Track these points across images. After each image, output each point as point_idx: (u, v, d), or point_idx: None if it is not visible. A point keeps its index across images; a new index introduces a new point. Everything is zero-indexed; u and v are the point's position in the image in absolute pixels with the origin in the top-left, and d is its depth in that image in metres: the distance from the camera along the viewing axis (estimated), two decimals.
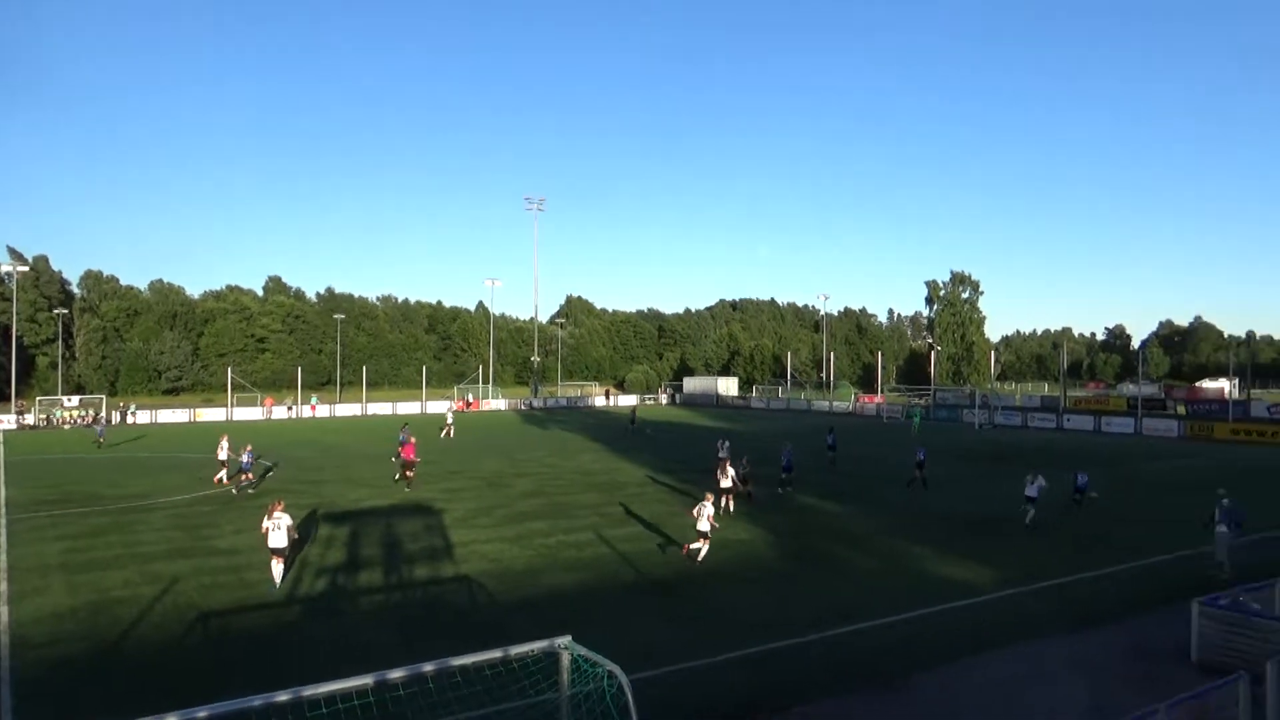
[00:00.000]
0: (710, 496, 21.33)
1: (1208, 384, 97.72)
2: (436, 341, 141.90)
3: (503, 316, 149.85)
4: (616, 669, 8.82)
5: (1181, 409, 66.63)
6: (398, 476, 33.49)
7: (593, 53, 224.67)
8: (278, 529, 18.34)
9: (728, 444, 36.48)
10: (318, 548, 22.26)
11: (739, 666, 13.80)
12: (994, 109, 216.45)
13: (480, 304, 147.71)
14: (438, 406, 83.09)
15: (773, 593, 18.21)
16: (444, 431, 54.71)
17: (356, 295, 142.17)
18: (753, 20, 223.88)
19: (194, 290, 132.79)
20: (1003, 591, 18.17)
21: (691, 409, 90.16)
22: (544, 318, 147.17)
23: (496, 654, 9.19)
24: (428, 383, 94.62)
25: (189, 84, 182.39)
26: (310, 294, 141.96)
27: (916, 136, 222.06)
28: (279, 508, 18.75)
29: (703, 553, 20.62)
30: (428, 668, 8.55)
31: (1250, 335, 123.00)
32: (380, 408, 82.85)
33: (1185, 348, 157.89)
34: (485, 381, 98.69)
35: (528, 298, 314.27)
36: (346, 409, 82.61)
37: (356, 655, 13.66)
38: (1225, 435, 53.04)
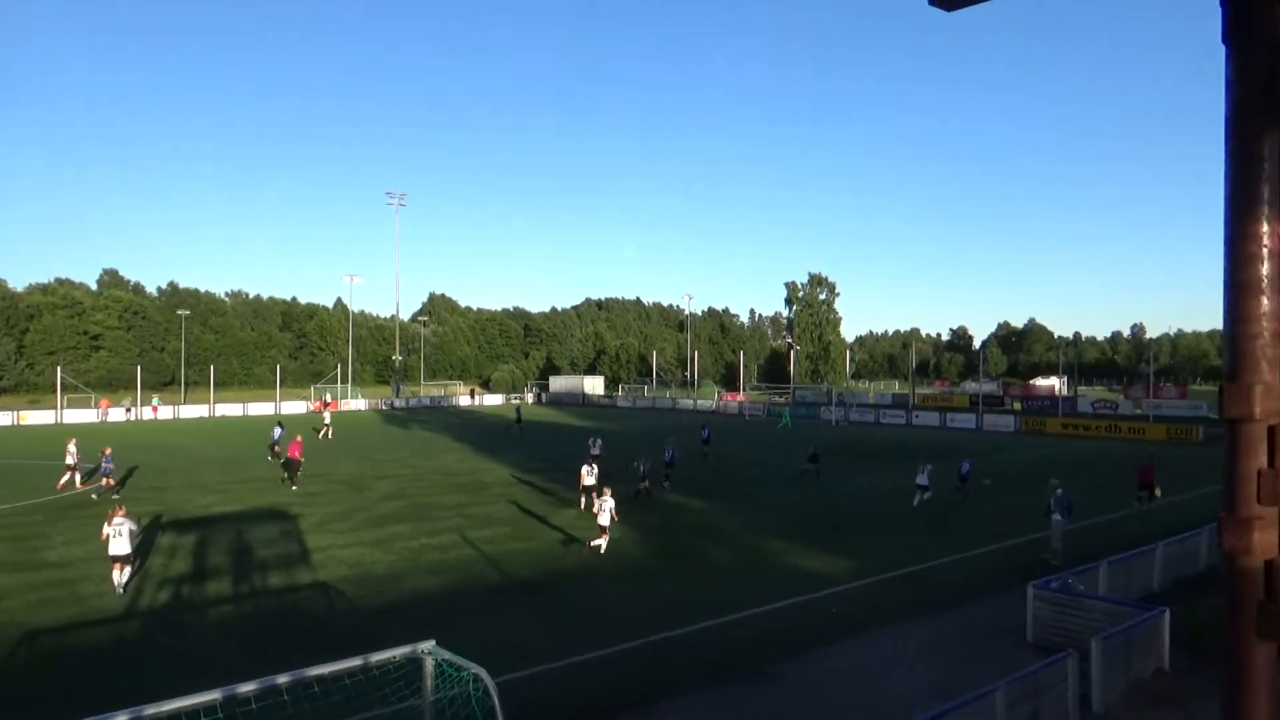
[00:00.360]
0: (609, 491, 21.76)
1: (1040, 382, 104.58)
2: (292, 339, 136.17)
3: (363, 314, 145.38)
4: (482, 672, 8.66)
5: (1018, 405, 71.16)
6: (284, 478, 32.75)
7: (456, 47, 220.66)
8: (119, 535, 17.45)
9: (599, 442, 36.61)
10: (161, 557, 20.95)
11: (607, 664, 13.83)
12: (845, 115, 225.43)
13: (339, 300, 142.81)
14: (293, 407, 79.86)
15: (640, 590, 18.34)
16: (322, 432, 52.76)
17: (203, 290, 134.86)
18: (623, 21, 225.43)
19: (17, 283, 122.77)
20: (858, 581, 18.90)
21: (558, 408, 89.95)
22: (406, 315, 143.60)
23: (356, 662, 8.87)
24: (282, 382, 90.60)
25: (12, 63, 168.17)
26: (151, 288, 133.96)
27: (775, 140, 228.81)
28: (120, 513, 17.88)
29: (604, 546, 21.10)
30: (282, 679, 8.17)
31: (1077, 336, 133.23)
32: (230, 409, 78.78)
33: (1021, 347, 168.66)
34: (344, 381, 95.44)
35: (389, 295, 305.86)
36: (192, 410, 78.18)
37: (203, 670, 12.91)
38: (1056, 429, 56.94)
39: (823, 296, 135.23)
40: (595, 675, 13.36)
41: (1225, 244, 1.92)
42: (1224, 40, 1.92)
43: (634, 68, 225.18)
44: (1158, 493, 27.19)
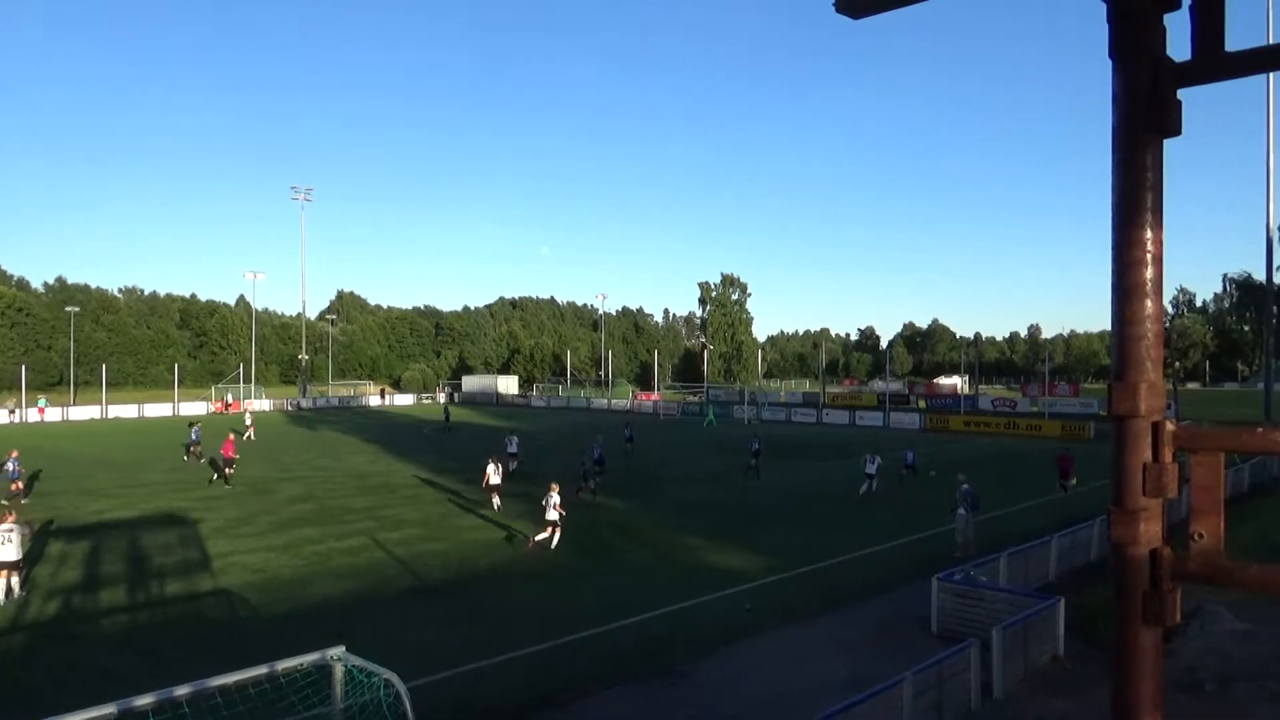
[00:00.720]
0: (555, 486, 22.02)
1: (943, 380, 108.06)
2: (191, 338, 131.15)
3: (266, 312, 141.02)
4: (394, 677, 8.52)
5: (922, 403, 73.42)
6: (215, 477, 32.48)
7: (364, 36, 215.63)
8: (8, 541, 16.73)
9: (516, 440, 36.32)
10: (50, 566, 19.94)
11: (521, 665, 13.75)
12: (756, 118, 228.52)
13: (241, 298, 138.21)
14: (194, 408, 76.96)
15: (554, 589, 18.28)
16: (245, 434, 50.76)
17: (94, 286, 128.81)
18: (537, 16, 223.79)
19: None
20: (771, 577, 19.20)
21: (471, 408, 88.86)
22: (313, 314, 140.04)
23: (262, 670, 8.61)
24: (181, 382, 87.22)
25: None
26: (36, 284, 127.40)
27: (688, 141, 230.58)
28: (10, 518, 17.15)
29: (554, 541, 21.38)
30: (181, 691, 7.87)
31: (978, 337, 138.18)
32: (124, 410, 75.31)
33: (925, 347, 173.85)
34: (247, 381, 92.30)
35: (294, 292, 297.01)
36: (82, 412, 74.45)
37: (96, 683, 12.33)
38: (959, 426, 58.88)
39: (735, 297, 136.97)
40: (508, 676, 13.27)
41: (1112, 249, 2.01)
42: (1110, 55, 2.02)
43: (546, 65, 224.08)
44: (1074, 480, 29.92)
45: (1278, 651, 13.55)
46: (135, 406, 77.11)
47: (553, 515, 21.41)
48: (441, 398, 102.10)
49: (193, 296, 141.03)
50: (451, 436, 53.41)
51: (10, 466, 28.68)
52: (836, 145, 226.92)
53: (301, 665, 8.86)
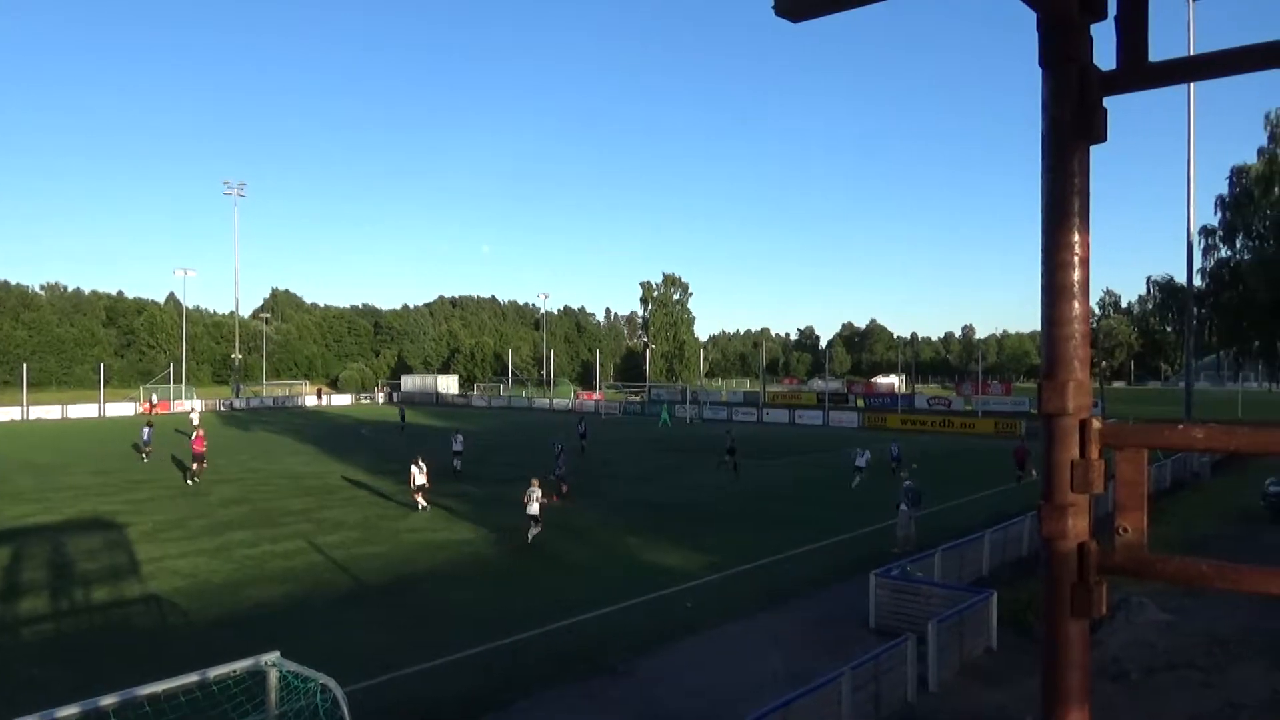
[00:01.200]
0: (536, 481, 22.36)
1: (881, 380, 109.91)
2: (117, 336, 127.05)
3: (198, 310, 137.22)
4: (330, 682, 8.37)
5: (861, 402, 74.51)
6: (189, 472, 33.15)
7: (299, 28, 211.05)
8: None
9: (461, 437, 35.85)
10: None
11: (459, 668, 13.63)
12: (696, 119, 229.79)
13: (171, 296, 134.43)
14: (121, 409, 74.66)
15: (495, 590, 18.15)
16: (193, 435, 49.14)
17: (14, 283, 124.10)
18: (477, 12, 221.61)
19: None
20: (712, 575, 19.32)
21: (410, 408, 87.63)
22: (246, 312, 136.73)
23: (193, 678, 8.40)
24: (107, 382, 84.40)
25: None
26: None
27: (629, 141, 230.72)
28: None
29: (532, 534, 21.68)
30: (109, 700, 7.63)
31: (914, 337, 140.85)
32: (47, 411, 72.56)
33: (863, 347, 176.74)
34: (178, 380, 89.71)
35: (227, 290, 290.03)
36: (1, 413, 71.67)
37: (18, 694, 11.87)
38: (896, 424, 59.92)
39: (676, 296, 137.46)
40: (447, 680, 13.14)
41: (1042, 252, 2.07)
42: (1040, 64, 2.07)
43: (486, 62, 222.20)
44: (1034, 472, 30.69)
45: (1199, 641, 14.07)
46: (59, 407, 74.35)
47: (534, 510, 21.63)
48: (381, 397, 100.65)
49: (120, 294, 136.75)
50: (395, 437, 52.55)
51: None
52: (777, 147, 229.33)
53: (235, 671, 8.66)
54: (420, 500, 26.62)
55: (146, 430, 40.80)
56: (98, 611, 16.72)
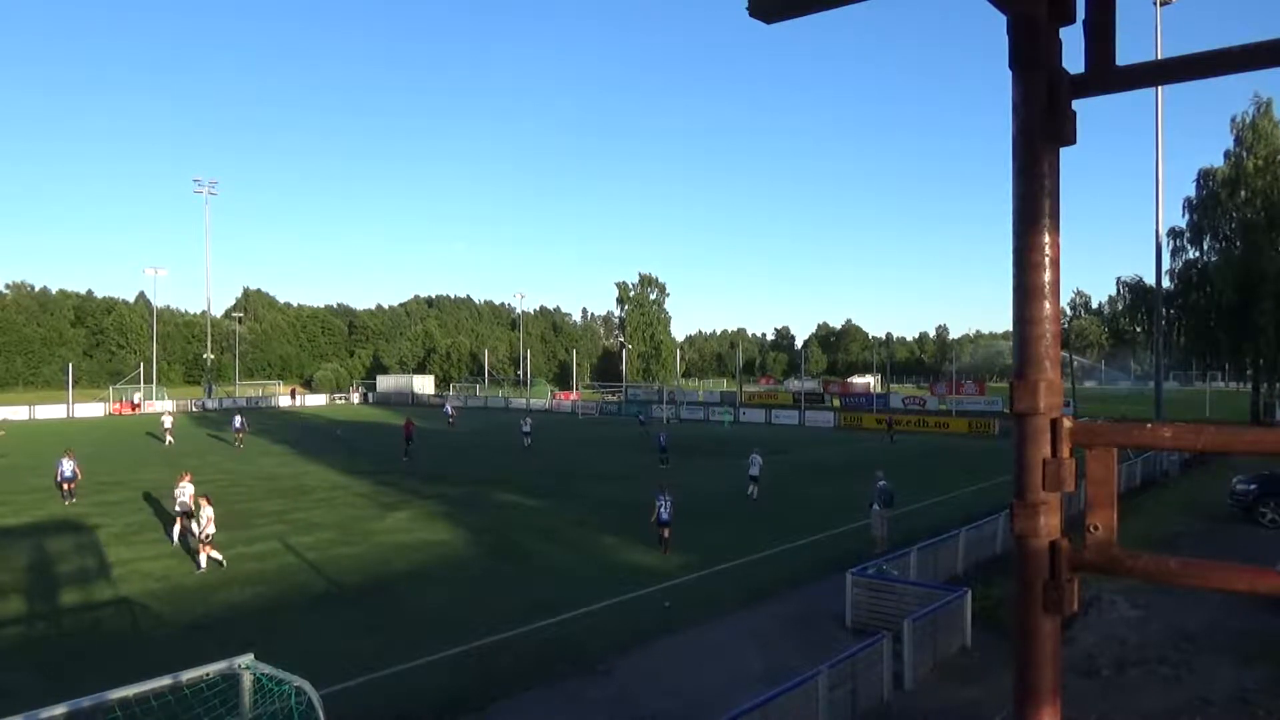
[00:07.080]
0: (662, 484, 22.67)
1: (856, 380, 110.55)
2: (86, 336, 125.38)
3: (169, 309, 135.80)
4: (305, 684, 8.31)
5: (836, 402, 74.90)
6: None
7: (271, 25, 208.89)
8: None
9: (530, 420, 35.72)
10: None
11: (438, 668, 13.57)
12: (673, 119, 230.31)
13: (141, 295, 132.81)
14: (90, 409, 73.75)
15: (471, 591, 18.08)
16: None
17: None
18: (451, 15, 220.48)
19: None
20: (689, 575, 19.35)
21: (386, 408, 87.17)
22: (218, 312, 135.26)
23: (165, 681, 8.30)
24: (76, 382, 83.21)
25: None
26: None
27: (607, 140, 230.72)
28: None
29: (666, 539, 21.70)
30: (80, 705, 7.51)
31: (889, 337, 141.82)
32: (15, 411, 71.38)
33: (839, 347, 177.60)
34: (148, 381, 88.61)
35: (199, 289, 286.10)
36: None
37: None
38: (871, 424, 60.26)
39: (653, 296, 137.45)
40: (424, 681, 13.08)
41: (1014, 253, 2.09)
42: (1010, 66, 2.10)
43: (461, 59, 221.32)
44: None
45: (1169, 637, 14.27)
46: (26, 408, 73.22)
47: (665, 516, 21.22)
48: (356, 398, 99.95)
49: (89, 293, 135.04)
50: (347, 439, 52.07)
51: None
52: (751, 147, 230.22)
53: (208, 674, 8.57)
54: (208, 554, 19.73)
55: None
56: (68, 615, 16.49)
